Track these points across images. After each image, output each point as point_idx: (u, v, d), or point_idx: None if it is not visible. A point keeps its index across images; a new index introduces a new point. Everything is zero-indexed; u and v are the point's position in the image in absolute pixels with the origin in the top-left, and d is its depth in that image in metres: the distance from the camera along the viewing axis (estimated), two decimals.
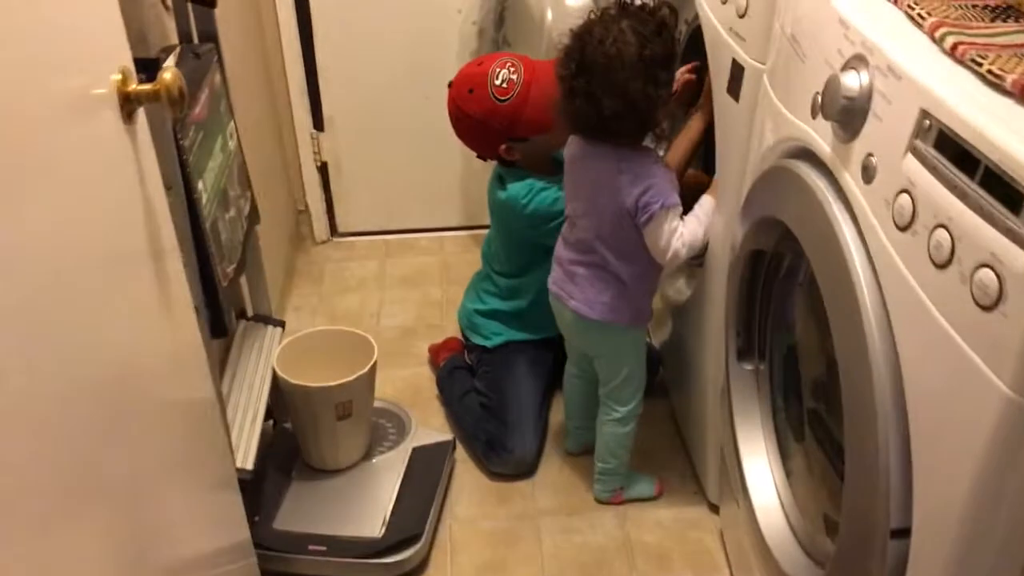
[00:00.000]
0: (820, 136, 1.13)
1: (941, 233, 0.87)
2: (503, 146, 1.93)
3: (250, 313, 1.99)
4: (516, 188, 1.94)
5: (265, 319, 1.98)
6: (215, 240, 1.48)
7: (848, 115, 1.03)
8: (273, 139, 2.58)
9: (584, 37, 1.57)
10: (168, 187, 1.31)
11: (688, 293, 1.84)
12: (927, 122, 0.91)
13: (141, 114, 1.14)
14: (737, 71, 1.48)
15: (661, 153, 1.78)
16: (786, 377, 1.50)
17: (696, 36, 1.83)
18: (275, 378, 1.85)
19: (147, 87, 1.09)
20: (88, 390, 0.92)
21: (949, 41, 0.95)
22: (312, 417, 1.85)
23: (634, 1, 1.61)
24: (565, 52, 1.59)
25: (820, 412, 1.41)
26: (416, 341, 2.43)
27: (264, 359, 1.90)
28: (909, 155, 0.93)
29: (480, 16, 2.44)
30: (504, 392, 2.04)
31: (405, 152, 2.74)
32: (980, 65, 0.90)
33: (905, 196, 0.93)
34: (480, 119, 1.91)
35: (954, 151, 0.87)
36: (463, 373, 2.18)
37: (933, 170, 0.89)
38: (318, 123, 2.67)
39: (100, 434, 0.94)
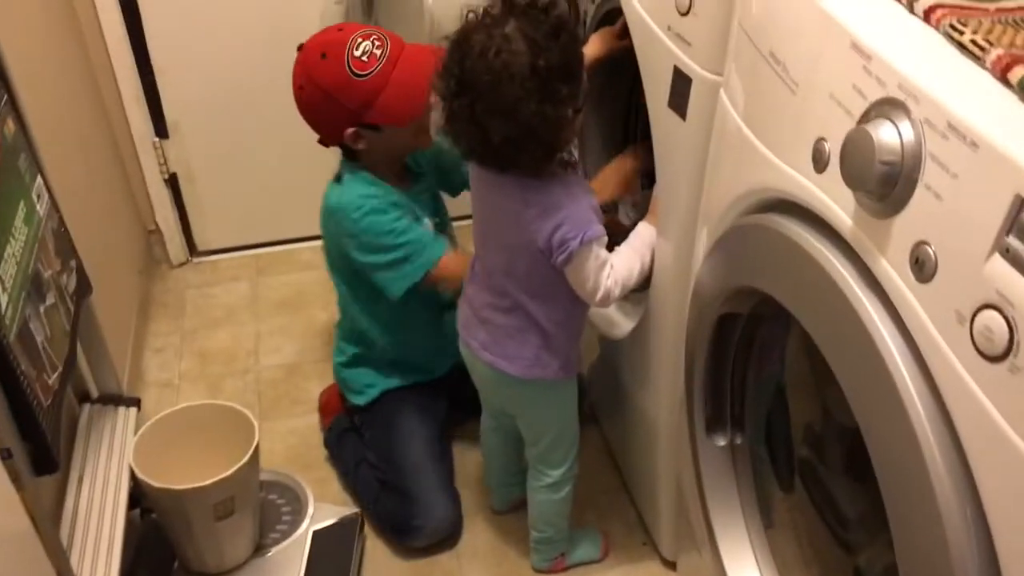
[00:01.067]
0: (833, 200, 0.85)
1: None
2: (350, 130, 1.58)
3: (95, 394, 1.62)
4: (350, 196, 1.60)
5: (115, 399, 1.62)
6: (26, 351, 1.11)
7: (886, 185, 0.75)
8: (108, 154, 2.17)
9: (463, 47, 1.23)
10: None
11: (627, 328, 1.56)
12: None
13: None
14: (681, 83, 1.19)
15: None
16: (772, 419, 1.25)
17: (611, 19, 1.54)
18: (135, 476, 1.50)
19: None
20: None
21: None
22: (185, 521, 1.51)
23: None
24: (443, 66, 1.25)
25: (812, 462, 1.18)
26: (304, 382, 2.10)
27: (118, 453, 1.55)
28: (997, 257, 0.66)
29: None
30: (393, 459, 1.73)
31: (271, 151, 2.35)
32: None
33: (993, 315, 0.66)
34: (328, 91, 1.55)
35: None
36: (353, 437, 1.85)
37: None
38: (161, 130, 2.27)
39: None
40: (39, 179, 1.29)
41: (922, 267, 0.73)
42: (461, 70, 1.22)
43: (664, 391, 1.46)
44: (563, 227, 1.29)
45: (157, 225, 2.39)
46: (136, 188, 2.32)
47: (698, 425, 1.25)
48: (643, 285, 1.48)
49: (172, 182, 2.35)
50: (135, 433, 1.57)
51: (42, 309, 1.20)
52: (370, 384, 1.79)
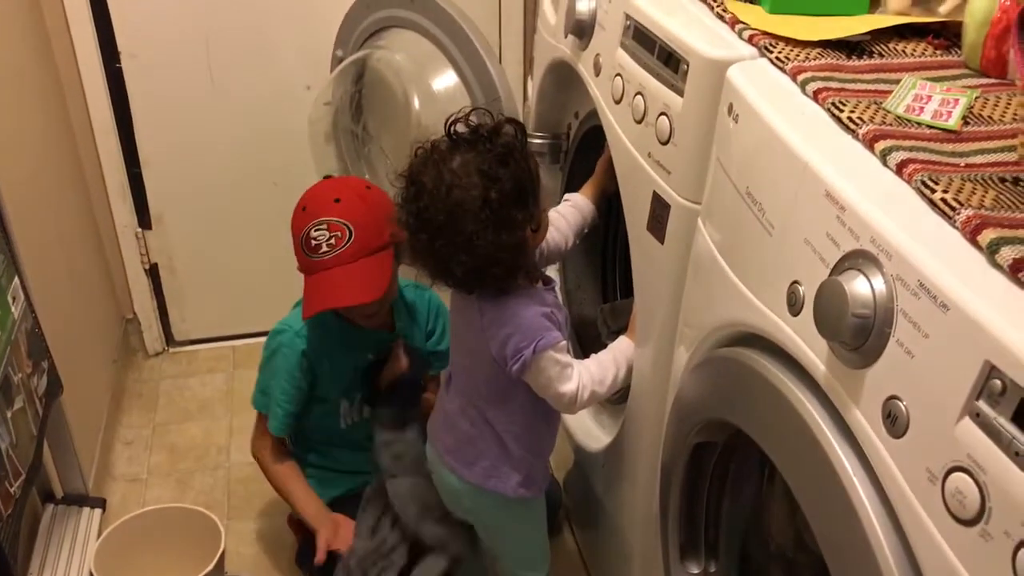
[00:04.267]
0: (807, 344, 0.85)
1: None
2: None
3: (59, 493, 1.59)
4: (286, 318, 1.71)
5: (80, 499, 1.59)
6: None
7: (858, 337, 0.76)
8: (89, 243, 2.17)
9: (418, 183, 1.24)
10: None
11: (604, 441, 1.55)
12: (997, 382, 0.64)
13: None
14: (660, 208, 1.21)
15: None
16: (746, 544, 1.23)
17: (594, 134, 1.57)
18: None
19: None
20: None
21: (1006, 254, 0.69)
22: None
23: (465, 122, 1.28)
24: (402, 199, 1.28)
25: None
26: None
27: (79, 556, 1.51)
28: (967, 420, 0.66)
29: (335, 96, 2.10)
30: None
31: (252, 245, 2.36)
32: None
33: (964, 478, 0.66)
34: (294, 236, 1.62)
35: None
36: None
37: (1015, 457, 0.63)
38: (144, 221, 2.28)
39: None
40: (16, 280, 1.28)
41: (894, 422, 0.73)
42: (417, 208, 1.24)
43: (639, 509, 1.44)
44: (514, 337, 1.29)
45: (135, 314, 2.38)
46: (116, 277, 2.32)
47: (672, 550, 1.23)
48: (620, 398, 1.48)
49: (152, 272, 2.35)
50: (98, 535, 1.54)
51: (9, 415, 1.18)
52: None
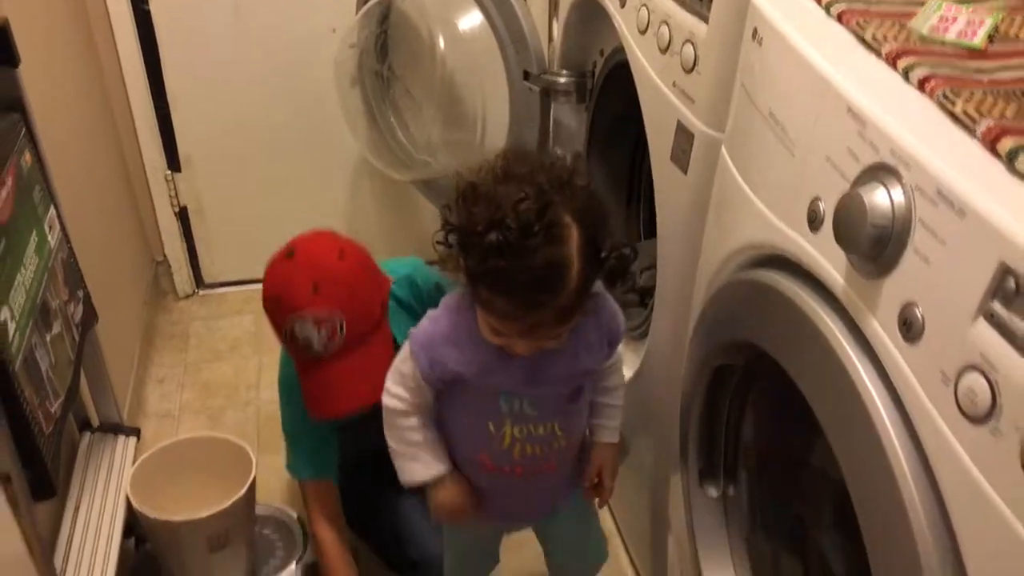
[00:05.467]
0: (826, 259, 0.87)
1: None
2: None
3: (96, 422, 1.63)
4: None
5: (115, 428, 1.63)
6: (30, 378, 1.13)
7: (877, 247, 0.77)
8: (120, 185, 2.20)
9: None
10: None
11: (627, 375, 1.57)
12: (1011, 282, 0.66)
13: None
14: (684, 138, 1.22)
15: None
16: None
17: (618, 72, 1.57)
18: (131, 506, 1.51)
19: None
20: None
21: None
22: (179, 553, 1.52)
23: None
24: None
25: (803, 517, 1.19)
26: None
27: (116, 482, 1.56)
28: (981, 320, 0.68)
29: (360, 38, 2.11)
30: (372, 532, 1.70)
31: (280, 187, 2.39)
32: None
33: (976, 377, 0.68)
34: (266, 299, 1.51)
35: None
36: None
37: None
38: (173, 163, 2.31)
39: None
40: (52, 210, 1.32)
41: (910, 327, 0.75)
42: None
43: (659, 437, 1.46)
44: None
45: (165, 256, 2.42)
46: (146, 220, 2.36)
47: (691, 475, 1.26)
48: (642, 334, 1.50)
49: (182, 215, 2.39)
50: (133, 463, 1.58)
51: (48, 337, 1.22)
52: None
